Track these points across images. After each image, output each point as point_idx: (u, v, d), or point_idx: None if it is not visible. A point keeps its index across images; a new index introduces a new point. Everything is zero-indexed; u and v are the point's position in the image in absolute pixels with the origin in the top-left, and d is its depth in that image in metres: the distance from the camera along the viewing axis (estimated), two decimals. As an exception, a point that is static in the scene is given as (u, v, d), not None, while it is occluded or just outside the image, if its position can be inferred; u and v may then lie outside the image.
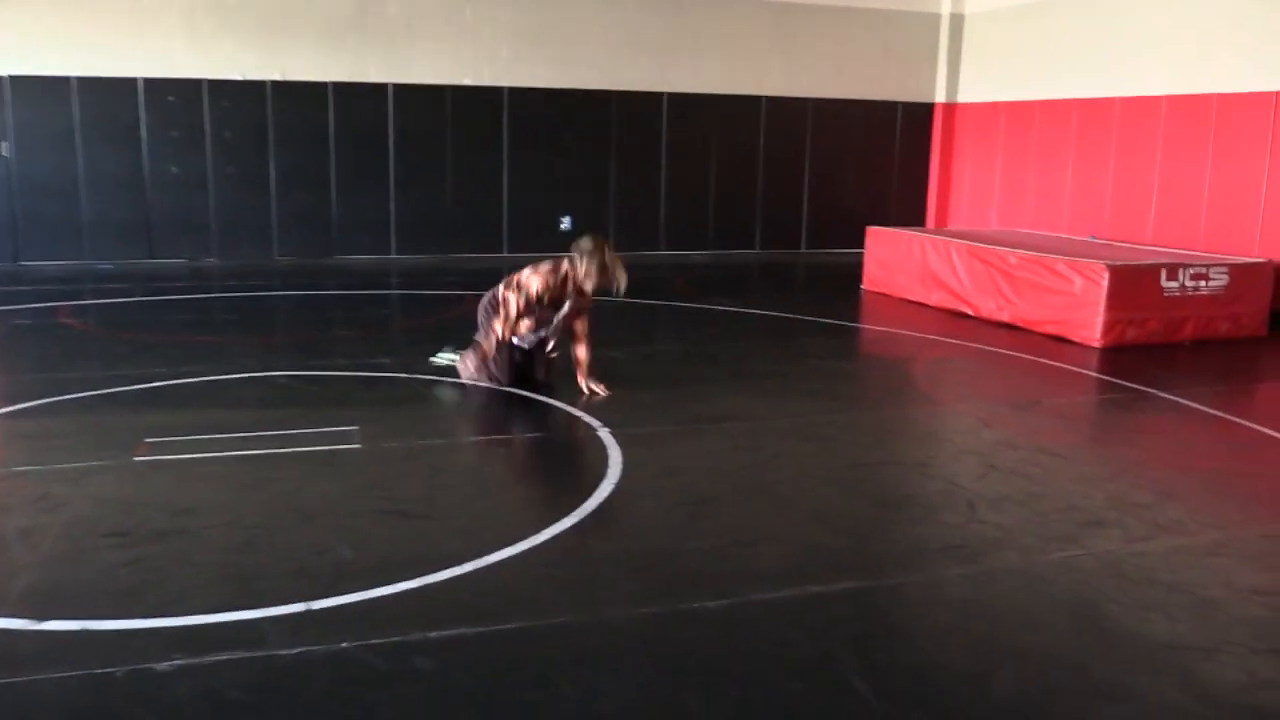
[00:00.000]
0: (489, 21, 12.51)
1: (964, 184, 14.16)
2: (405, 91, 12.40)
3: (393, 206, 12.60)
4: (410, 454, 5.05)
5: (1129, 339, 8.17)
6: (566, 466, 5.11)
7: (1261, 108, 9.82)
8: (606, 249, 6.04)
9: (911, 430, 5.97)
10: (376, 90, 12.33)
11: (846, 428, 5.78)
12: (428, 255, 12.67)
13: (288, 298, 9.88)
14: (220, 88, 11.85)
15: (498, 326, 6.17)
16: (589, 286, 6.06)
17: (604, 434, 5.40)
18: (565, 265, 6.09)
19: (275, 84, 12.02)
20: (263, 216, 12.23)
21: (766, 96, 13.66)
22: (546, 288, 6.09)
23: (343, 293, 10.17)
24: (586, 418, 5.70)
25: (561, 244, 13.11)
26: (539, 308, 6.12)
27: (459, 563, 3.72)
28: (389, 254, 12.67)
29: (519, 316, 6.16)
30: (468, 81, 12.57)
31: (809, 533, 4.22)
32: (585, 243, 6.10)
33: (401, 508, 4.35)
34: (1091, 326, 8.15)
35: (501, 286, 6.28)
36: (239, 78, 11.88)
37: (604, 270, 6.00)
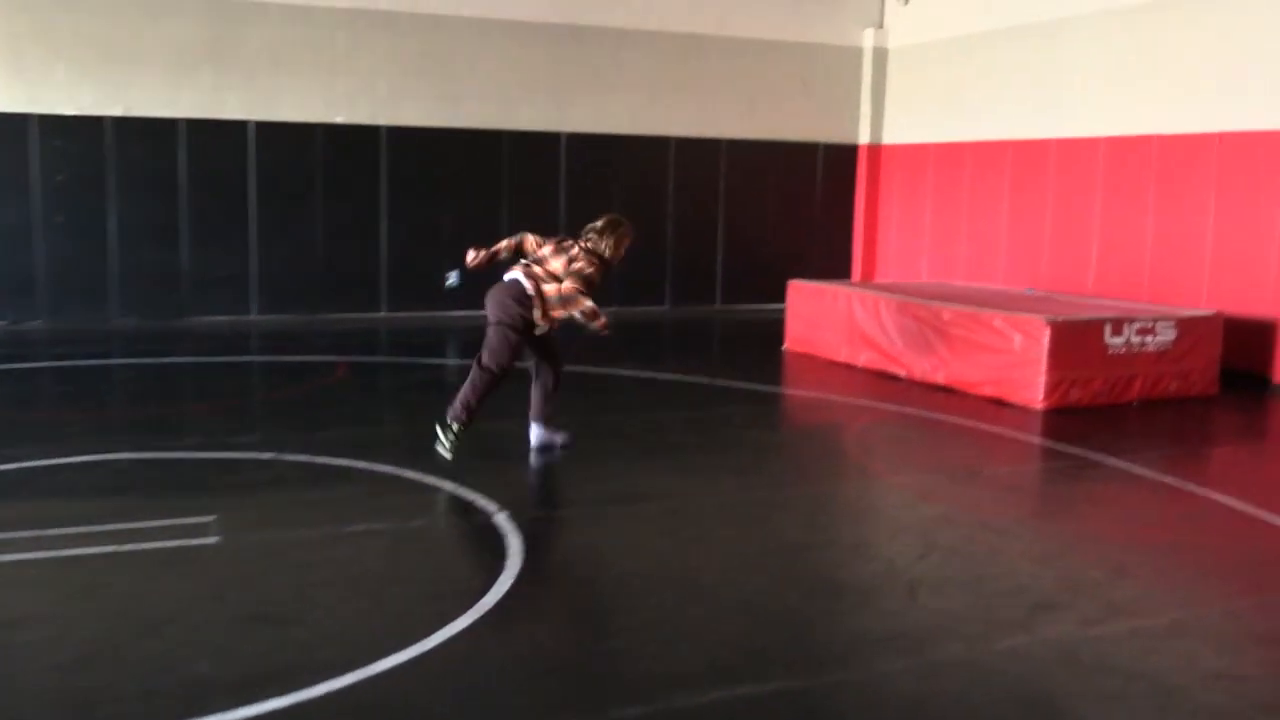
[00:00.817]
0: (365, 52, 12.53)
1: (892, 232, 14.59)
2: (269, 130, 12.33)
3: (253, 260, 12.45)
4: (276, 548, 4.96)
5: (1073, 400, 8.46)
6: (459, 558, 5.07)
7: (1205, 150, 10.38)
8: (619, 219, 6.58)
9: (844, 507, 6.08)
10: (235, 128, 12.23)
11: (774, 506, 5.85)
12: (294, 316, 12.52)
13: (130, 366, 9.69)
14: (50, 124, 11.64)
15: (587, 303, 6.28)
16: (618, 256, 6.52)
17: (501, 519, 5.39)
18: (581, 242, 6.48)
19: (116, 120, 11.86)
20: (99, 272, 11.98)
21: (675, 137, 13.93)
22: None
23: (195, 360, 10.03)
24: (481, 500, 5.68)
25: (448, 302, 12.96)
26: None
27: (336, 674, 3.66)
28: (249, 314, 12.48)
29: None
30: (340, 119, 12.57)
31: (736, 627, 4.25)
32: (599, 222, 6.56)
33: (266, 612, 4.27)
34: (1033, 388, 8.43)
35: (526, 279, 6.30)
36: (73, 113, 11.68)
37: (626, 237, 6.54)
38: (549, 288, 6.33)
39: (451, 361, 10.70)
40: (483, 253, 6.58)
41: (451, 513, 5.61)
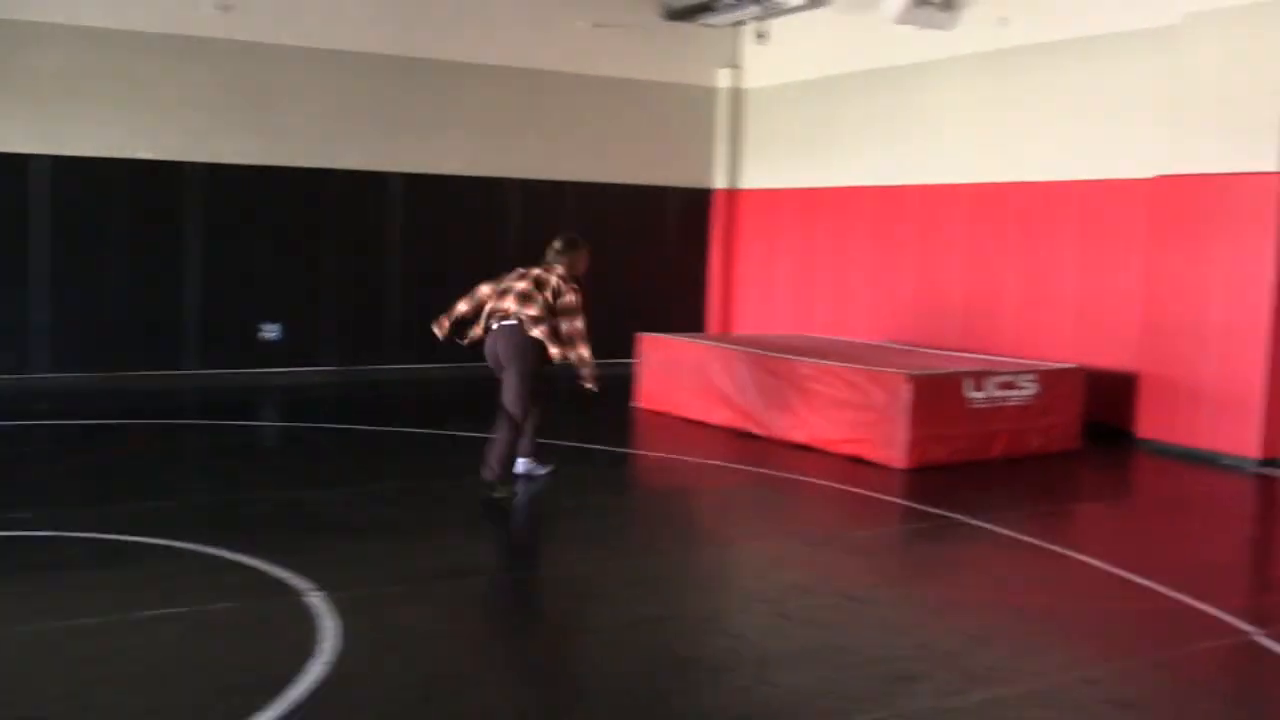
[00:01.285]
0: (174, 82, 12.18)
1: (750, 282, 14.81)
2: (61, 165, 11.86)
3: (39, 311, 11.90)
4: (51, 640, 4.71)
5: (935, 458, 8.69)
6: (264, 645, 4.87)
7: (1066, 198, 10.86)
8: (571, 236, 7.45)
9: (694, 576, 6.08)
10: (18, 163, 11.73)
11: (617, 577, 5.82)
12: (86, 373, 11.99)
13: (-111, 433, 9.16)
14: None
15: (586, 351, 7.17)
16: (580, 271, 7.38)
17: (314, 599, 5.21)
18: (550, 269, 7.27)
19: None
20: None
21: (517, 179, 13.93)
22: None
23: (-32, 425, 9.55)
24: (293, 579, 5.48)
25: (263, 358, 12.64)
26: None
27: (112, 783, 3.46)
28: (32, 372, 11.89)
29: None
30: (144, 155, 12.17)
31: (573, 712, 4.19)
32: (557, 242, 7.44)
33: (38, 715, 4.03)
34: (894, 445, 8.63)
35: (526, 321, 7.05)
36: None
37: (588, 253, 7.49)
38: (540, 326, 7.05)
39: (268, 424, 10.42)
40: (445, 322, 7.30)
41: (259, 593, 5.39)
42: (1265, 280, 9.00)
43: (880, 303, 12.77)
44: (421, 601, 5.34)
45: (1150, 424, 9.81)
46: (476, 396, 11.94)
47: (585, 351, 7.09)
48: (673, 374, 10.66)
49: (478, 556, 6.09)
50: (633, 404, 11.15)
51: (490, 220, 13.81)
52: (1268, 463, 9.04)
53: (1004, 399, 9.07)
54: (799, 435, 9.30)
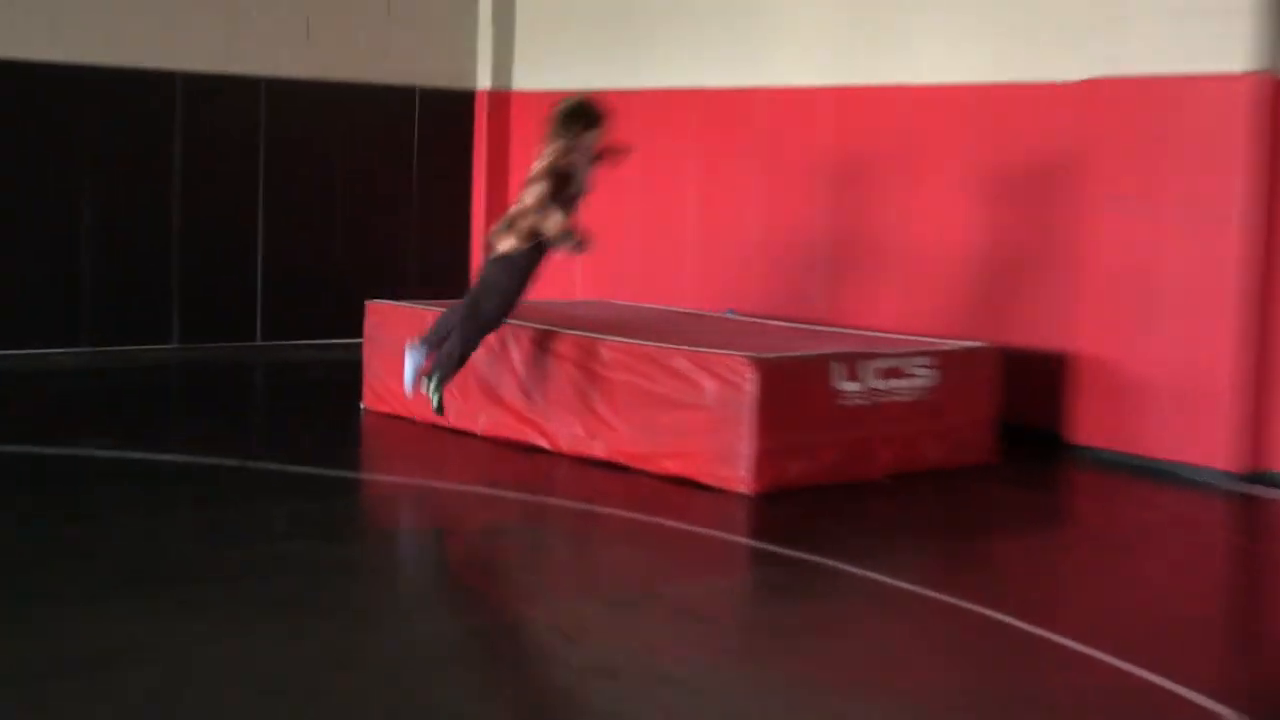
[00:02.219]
0: None
1: None
2: None
3: None
4: None
5: (792, 478, 8.65)
6: None
7: (961, 105, 11.01)
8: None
9: (448, 659, 5.92)
10: None
11: (335, 662, 5.65)
12: None
13: None
14: None
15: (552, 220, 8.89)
16: (574, 161, 9.08)
17: None
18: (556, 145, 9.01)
19: None
20: None
21: (184, 73, 13.55)
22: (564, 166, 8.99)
23: None
24: None
25: None
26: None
27: None
28: None
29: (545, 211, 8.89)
30: None
31: None
32: (562, 105, 9.19)
33: None
34: (734, 461, 8.55)
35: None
36: None
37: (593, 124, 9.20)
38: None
39: None
40: None
41: None
42: (1231, 224, 9.19)
43: (714, 257, 12.77)
44: (38, 708, 5.07)
45: (1088, 426, 10.01)
46: (134, 395, 11.66)
47: (553, 219, 8.82)
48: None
49: (127, 635, 5.83)
50: (361, 405, 10.93)
51: (144, 132, 13.50)
52: (1244, 477, 9.30)
53: (889, 392, 9.10)
54: (599, 449, 9.21)
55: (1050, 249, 10.47)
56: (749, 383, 8.55)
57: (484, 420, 9.96)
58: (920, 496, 8.87)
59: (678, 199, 13.16)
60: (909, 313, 11.10)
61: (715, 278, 12.72)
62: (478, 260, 14.58)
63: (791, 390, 8.75)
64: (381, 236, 14.60)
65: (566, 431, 9.43)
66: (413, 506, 8.63)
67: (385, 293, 11.60)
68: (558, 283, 13.72)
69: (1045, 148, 10.53)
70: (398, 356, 9.87)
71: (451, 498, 8.58)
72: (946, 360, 9.45)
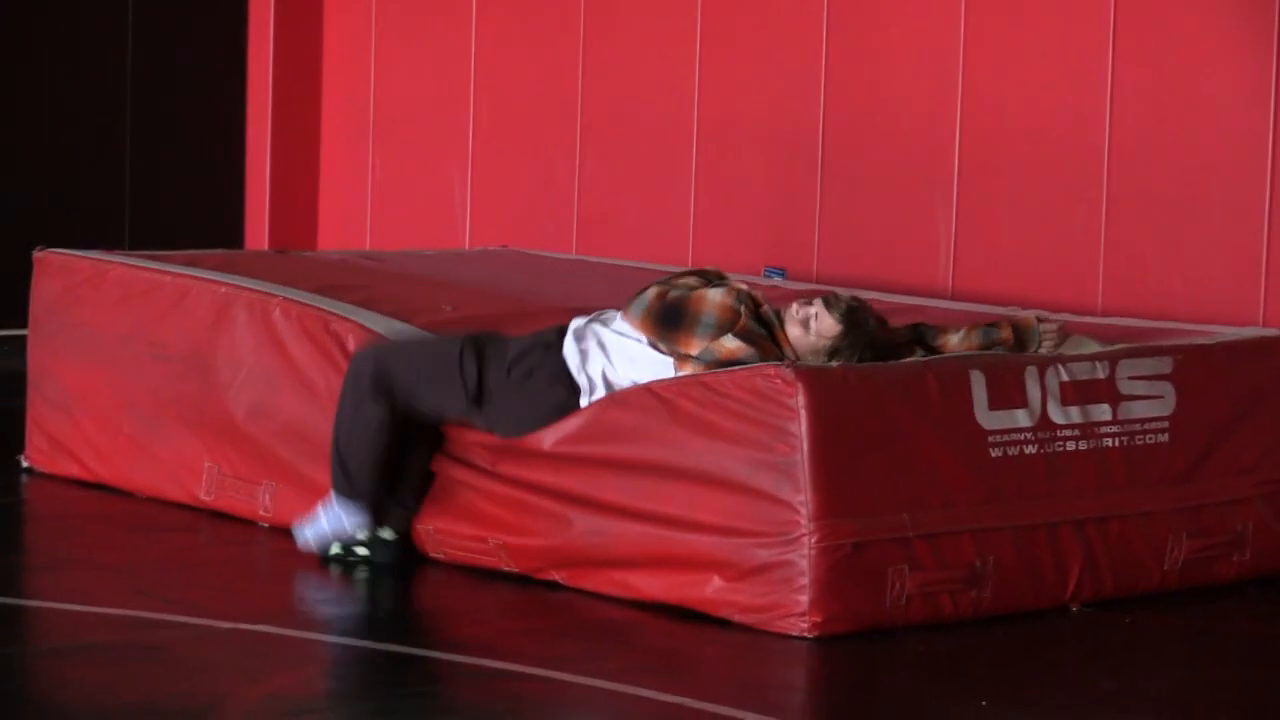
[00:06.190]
0: None
1: (341, 130, 12.94)
2: None
3: None
4: None
5: (891, 607, 5.89)
6: None
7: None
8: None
9: None
10: None
11: None
12: None
13: None
14: None
15: None
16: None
17: None
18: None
19: None
20: None
21: None
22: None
23: None
24: None
25: None
26: None
27: None
28: None
29: None
30: None
31: None
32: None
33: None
34: (772, 571, 5.94)
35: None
36: None
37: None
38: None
39: None
40: None
41: None
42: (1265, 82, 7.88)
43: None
44: None
45: None
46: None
47: None
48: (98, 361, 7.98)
49: None
50: (22, 462, 8.14)
51: None
52: None
53: (1096, 425, 6.01)
54: (501, 556, 6.38)
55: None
56: (797, 413, 5.59)
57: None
58: (1167, 653, 5.57)
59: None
60: (1116, 281, 8.54)
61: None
62: (253, 195, 13.22)
63: (885, 427, 5.68)
64: (87, 161, 12.38)
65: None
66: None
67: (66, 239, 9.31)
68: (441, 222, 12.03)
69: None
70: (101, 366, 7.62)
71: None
72: (1208, 361, 6.41)
